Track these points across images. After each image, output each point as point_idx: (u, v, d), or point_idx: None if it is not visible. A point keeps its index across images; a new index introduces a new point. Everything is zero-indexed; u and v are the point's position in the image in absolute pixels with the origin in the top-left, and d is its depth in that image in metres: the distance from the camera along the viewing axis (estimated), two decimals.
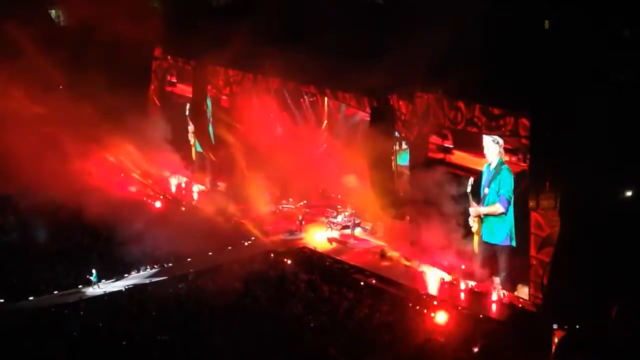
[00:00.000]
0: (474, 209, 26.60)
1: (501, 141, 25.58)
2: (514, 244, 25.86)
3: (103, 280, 28.61)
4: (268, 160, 33.27)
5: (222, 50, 32.60)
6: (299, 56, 29.43)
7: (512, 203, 25.81)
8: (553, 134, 23.00)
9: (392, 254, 30.15)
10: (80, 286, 27.94)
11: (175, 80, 40.20)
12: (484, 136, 25.80)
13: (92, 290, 27.95)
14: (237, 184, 35.87)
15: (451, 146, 27.89)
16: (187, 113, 38.70)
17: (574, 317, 22.36)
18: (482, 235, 26.61)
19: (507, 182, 25.96)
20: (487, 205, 26.33)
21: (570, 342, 21.75)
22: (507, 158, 25.79)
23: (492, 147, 25.83)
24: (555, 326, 22.24)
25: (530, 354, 21.95)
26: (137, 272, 29.63)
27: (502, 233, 26.17)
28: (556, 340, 22.11)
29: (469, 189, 26.65)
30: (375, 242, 31.64)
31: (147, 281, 28.53)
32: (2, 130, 32.98)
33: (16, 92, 33.71)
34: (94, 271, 28.17)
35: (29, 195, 33.16)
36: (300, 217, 32.40)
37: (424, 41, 25.40)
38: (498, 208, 26.24)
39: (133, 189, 37.53)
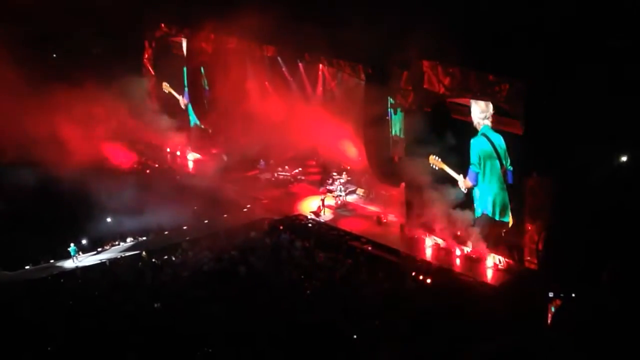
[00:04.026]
0: (460, 182, 26.92)
1: (485, 112, 25.56)
2: (503, 217, 25.74)
3: (98, 249, 29.06)
4: (263, 128, 33.18)
5: (217, 18, 32.39)
6: (293, 24, 29.32)
7: (487, 176, 25.87)
8: (549, 100, 22.96)
9: (388, 220, 30.38)
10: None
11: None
12: (472, 104, 25.93)
13: (72, 263, 28.26)
14: (232, 151, 35.90)
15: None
16: (165, 90, 39.23)
17: (569, 280, 22.51)
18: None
19: (473, 154, 26.19)
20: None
21: (567, 309, 21.91)
22: (487, 122, 25.70)
23: (476, 114, 25.99)
24: (551, 294, 22.36)
25: (526, 319, 22.07)
26: (132, 241, 29.87)
27: (483, 205, 26.39)
28: (552, 308, 22.26)
29: (436, 168, 27.03)
30: (371, 208, 31.86)
31: (142, 250, 28.68)
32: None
33: (6, 61, 33.43)
34: (72, 245, 28.47)
35: (20, 166, 33.19)
36: (322, 198, 32.28)
37: (418, 8, 25.29)
38: (467, 182, 26.66)
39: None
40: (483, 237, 26.29)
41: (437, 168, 27.03)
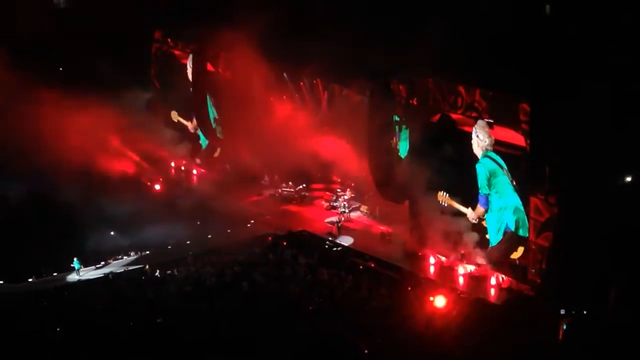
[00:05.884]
0: (469, 215, 26.86)
1: (481, 135, 25.68)
2: (525, 232, 25.16)
3: (101, 262, 29.09)
4: (268, 144, 33.25)
5: (223, 34, 32.52)
6: (299, 40, 29.41)
7: (500, 194, 25.65)
8: (553, 119, 22.98)
9: (391, 237, 30.32)
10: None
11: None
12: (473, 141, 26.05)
13: (75, 277, 28.23)
14: (236, 167, 35.94)
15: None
16: (174, 119, 39.16)
17: (573, 300, 22.44)
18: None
19: (480, 178, 26.06)
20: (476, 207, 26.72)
21: (578, 327, 21.83)
22: (487, 148, 25.75)
23: (474, 140, 26.05)
24: (562, 311, 22.26)
25: (534, 337, 21.97)
26: (135, 255, 29.85)
27: (498, 233, 26.13)
28: (564, 326, 22.16)
29: (445, 204, 27.13)
30: (375, 225, 31.82)
31: (145, 264, 28.61)
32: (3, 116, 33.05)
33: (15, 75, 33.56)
34: (75, 259, 28.43)
35: (27, 178, 33.23)
36: (338, 220, 32.16)
37: (425, 26, 25.36)
38: (479, 209, 26.50)
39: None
40: (506, 255, 26.03)
41: (445, 205, 27.07)
